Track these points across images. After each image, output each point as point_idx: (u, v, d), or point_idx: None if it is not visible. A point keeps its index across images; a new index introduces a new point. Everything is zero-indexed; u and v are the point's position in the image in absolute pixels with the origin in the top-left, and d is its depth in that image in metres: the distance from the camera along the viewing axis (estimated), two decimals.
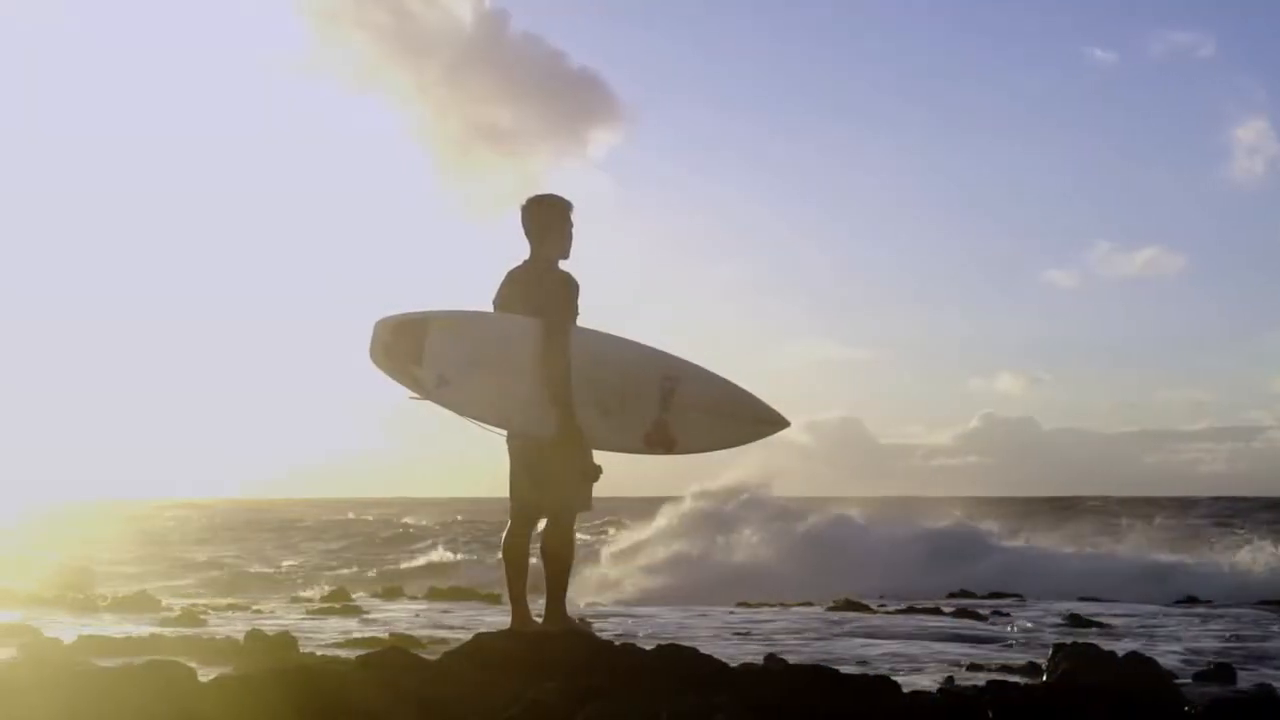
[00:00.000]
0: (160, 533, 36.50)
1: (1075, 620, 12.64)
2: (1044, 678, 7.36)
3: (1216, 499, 71.63)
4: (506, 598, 6.95)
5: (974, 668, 8.65)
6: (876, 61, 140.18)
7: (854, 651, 9.98)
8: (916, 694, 6.17)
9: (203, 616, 12.36)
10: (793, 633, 11.67)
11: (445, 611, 13.80)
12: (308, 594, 16.60)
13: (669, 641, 6.83)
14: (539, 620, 6.66)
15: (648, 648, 6.46)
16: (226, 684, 5.17)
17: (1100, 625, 12.36)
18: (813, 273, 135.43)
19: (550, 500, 6.67)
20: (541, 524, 6.77)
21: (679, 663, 6.10)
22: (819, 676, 6.21)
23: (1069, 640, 8.55)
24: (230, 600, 15.52)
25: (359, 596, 16.10)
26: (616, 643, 6.74)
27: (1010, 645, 10.54)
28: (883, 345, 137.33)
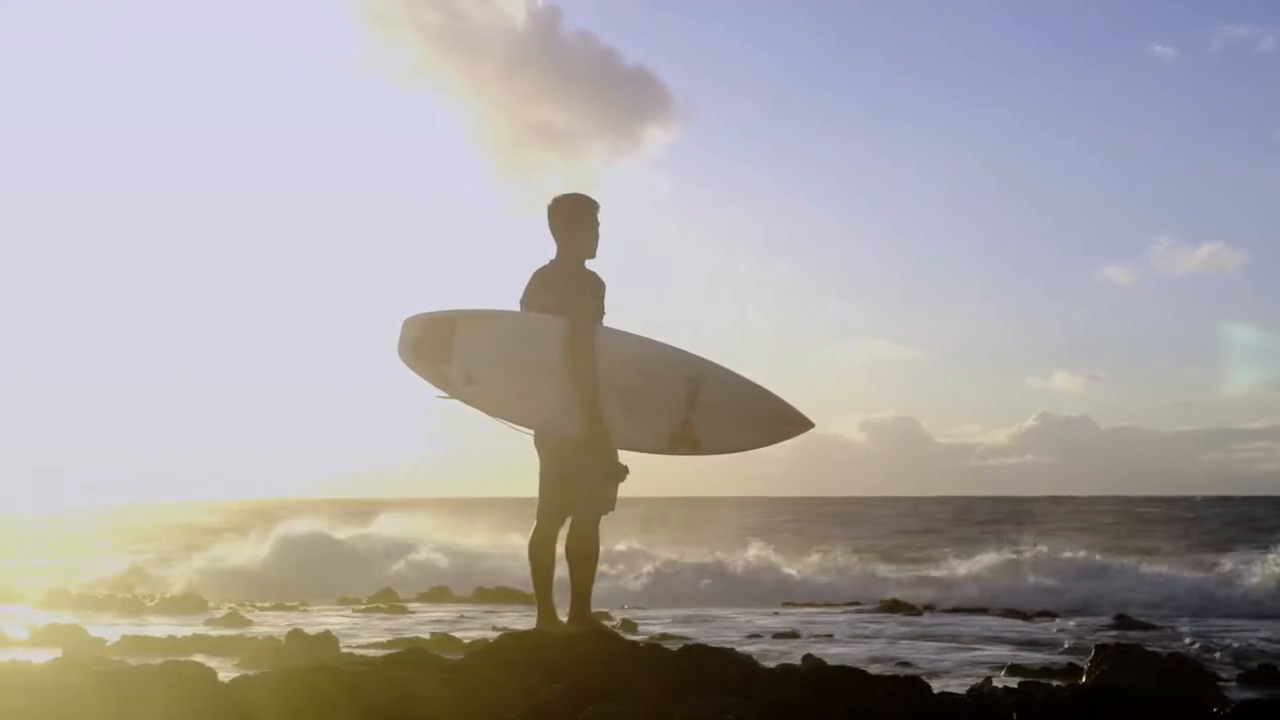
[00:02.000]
0: (217, 532, 36.80)
1: (1124, 622, 12.46)
2: (1083, 679, 7.27)
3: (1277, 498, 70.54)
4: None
5: (1014, 670, 8.56)
6: (934, 58, 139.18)
7: (899, 652, 9.91)
8: (945, 695, 6.09)
9: (248, 616, 12.47)
10: (838, 634, 11.62)
11: (489, 612, 13.85)
12: (355, 594, 16.66)
13: (696, 642, 6.78)
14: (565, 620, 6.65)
15: (674, 648, 6.42)
16: (244, 684, 5.20)
17: (1152, 628, 12.19)
18: (868, 271, 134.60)
19: (576, 500, 6.65)
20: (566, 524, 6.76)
21: (703, 664, 6.05)
22: (846, 677, 6.14)
23: (1112, 643, 8.43)
24: (276, 600, 15.63)
25: (406, 597, 16.17)
26: (643, 643, 6.70)
27: (1054, 648, 10.42)
28: (938, 344, 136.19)
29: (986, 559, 20.54)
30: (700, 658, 6.17)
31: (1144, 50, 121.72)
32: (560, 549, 6.75)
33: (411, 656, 5.82)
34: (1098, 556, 18.39)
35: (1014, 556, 18.55)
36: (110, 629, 10.43)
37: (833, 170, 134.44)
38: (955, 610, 14.65)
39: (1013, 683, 7.01)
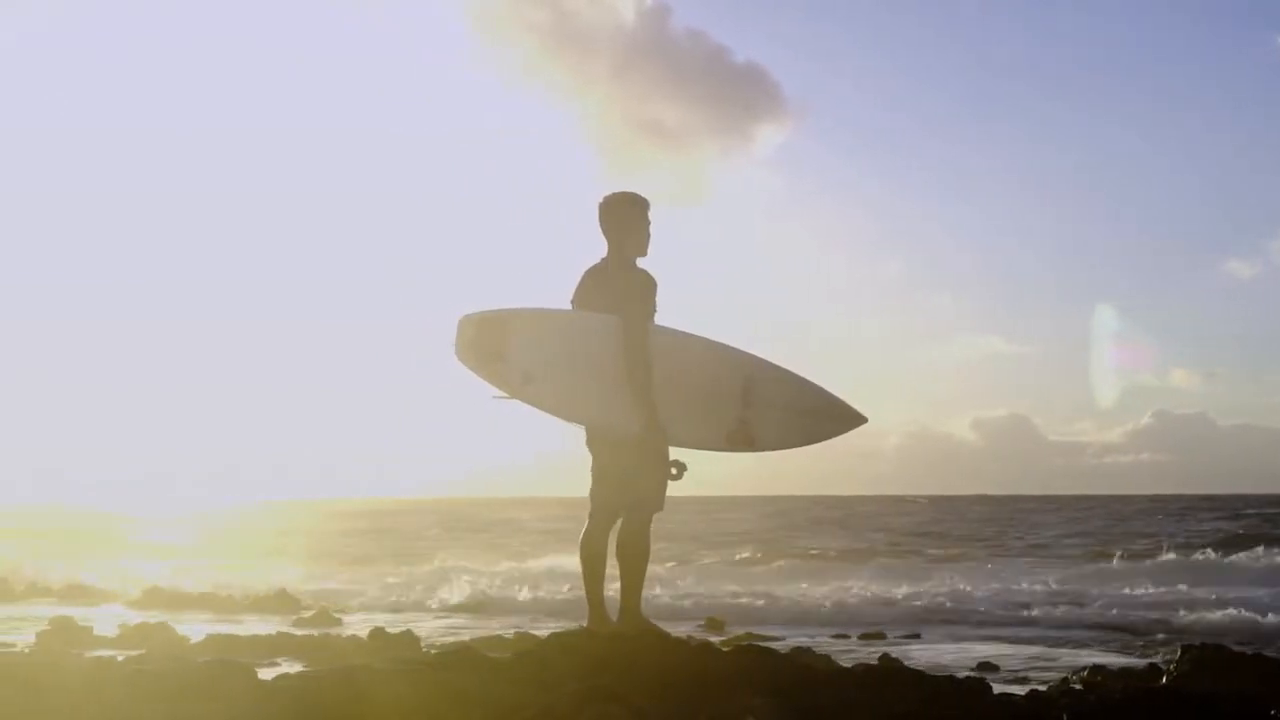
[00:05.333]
0: (335, 532, 37.42)
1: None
2: (1162, 680, 7.07)
3: None
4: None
5: (1095, 671, 8.35)
6: (1047, 55, 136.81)
7: (986, 653, 9.75)
8: (1000, 696, 5.95)
9: (337, 616, 12.60)
10: (927, 635, 11.48)
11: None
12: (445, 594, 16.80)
13: (750, 643, 6.71)
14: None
15: (726, 650, 6.36)
16: (279, 684, 5.24)
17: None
18: (980, 268, 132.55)
19: (628, 500, 6.60)
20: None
21: (752, 664, 5.96)
22: (901, 677, 6.03)
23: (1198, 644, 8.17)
24: (369, 598, 15.77)
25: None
26: (695, 643, 6.63)
27: (1145, 650, 10.19)
28: (1051, 341, 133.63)
29: (1091, 558, 20.13)
30: (750, 658, 6.09)
31: (1267, 41, 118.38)
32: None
33: (456, 656, 5.82)
34: (1201, 556, 17.93)
35: (1119, 556, 18.15)
36: (198, 628, 10.61)
37: (944, 168, 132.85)
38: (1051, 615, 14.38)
39: (1076, 684, 6.85)
